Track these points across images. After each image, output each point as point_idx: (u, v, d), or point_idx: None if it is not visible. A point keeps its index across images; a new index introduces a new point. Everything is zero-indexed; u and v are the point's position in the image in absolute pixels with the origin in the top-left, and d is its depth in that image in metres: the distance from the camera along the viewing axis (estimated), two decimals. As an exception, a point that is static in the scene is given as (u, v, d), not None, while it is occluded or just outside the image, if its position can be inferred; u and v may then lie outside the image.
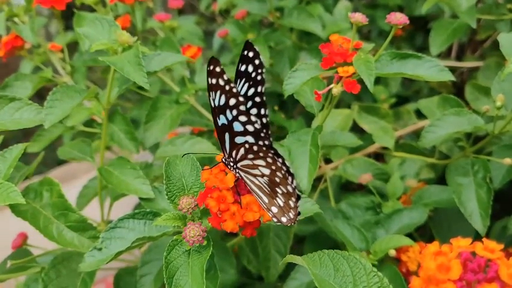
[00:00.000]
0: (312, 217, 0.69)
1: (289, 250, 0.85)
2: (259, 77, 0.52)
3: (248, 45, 0.52)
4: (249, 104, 0.53)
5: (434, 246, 0.42)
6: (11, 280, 0.75)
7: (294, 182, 0.50)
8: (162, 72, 0.91)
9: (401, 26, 0.65)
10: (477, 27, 0.97)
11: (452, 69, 0.71)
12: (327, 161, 1.00)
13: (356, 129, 1.01)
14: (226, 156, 0.52)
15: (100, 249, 0.54)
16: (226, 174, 0.51)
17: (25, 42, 0.90)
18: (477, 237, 0.81)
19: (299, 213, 0.52)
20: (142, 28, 1.11)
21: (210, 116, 0.93)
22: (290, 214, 0.50)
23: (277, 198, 0.50)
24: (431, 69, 0.67)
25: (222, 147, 0.52)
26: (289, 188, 0.50)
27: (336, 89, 0.66)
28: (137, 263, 0.74)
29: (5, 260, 0.71)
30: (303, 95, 0.75)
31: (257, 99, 0.53)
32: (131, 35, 0.67)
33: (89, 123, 0.93)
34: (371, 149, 0.99)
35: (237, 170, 0.52)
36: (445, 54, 1.34)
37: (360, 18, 0.65)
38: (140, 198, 0.65)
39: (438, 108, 0.85)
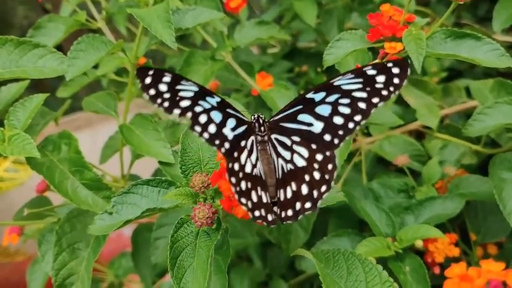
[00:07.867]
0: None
1: (313, 225, 0.82)
2: (384, 92, 0.46)
3: (402, 62, 0.46)
4: (346, 100, 0.47)
5: (459, 267, 0.37)
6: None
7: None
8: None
9: (462, 2, 0.58)
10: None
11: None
12: (366, 134, 0.94)
13: (400, 101, 0.94)
14: None
15: (111, 213, 0.52)
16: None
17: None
18: (512, 235, 0.77)
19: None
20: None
21: (245, 76, 0.89)
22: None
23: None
24: (489, 53, 0.61)
25: None
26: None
27: (380, 66, 0.61)
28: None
29: (22, 207, 0.71)
30: (345, 66, 0.70)
31: (362, 104, 0.47)
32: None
33: (121, 72, 0.90)
34: (413, 126, 0.93)
35: None
36: (509, 29, 1.23)
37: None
38: (160, 162, 0.63)
39: (491, 93, 0.77)
